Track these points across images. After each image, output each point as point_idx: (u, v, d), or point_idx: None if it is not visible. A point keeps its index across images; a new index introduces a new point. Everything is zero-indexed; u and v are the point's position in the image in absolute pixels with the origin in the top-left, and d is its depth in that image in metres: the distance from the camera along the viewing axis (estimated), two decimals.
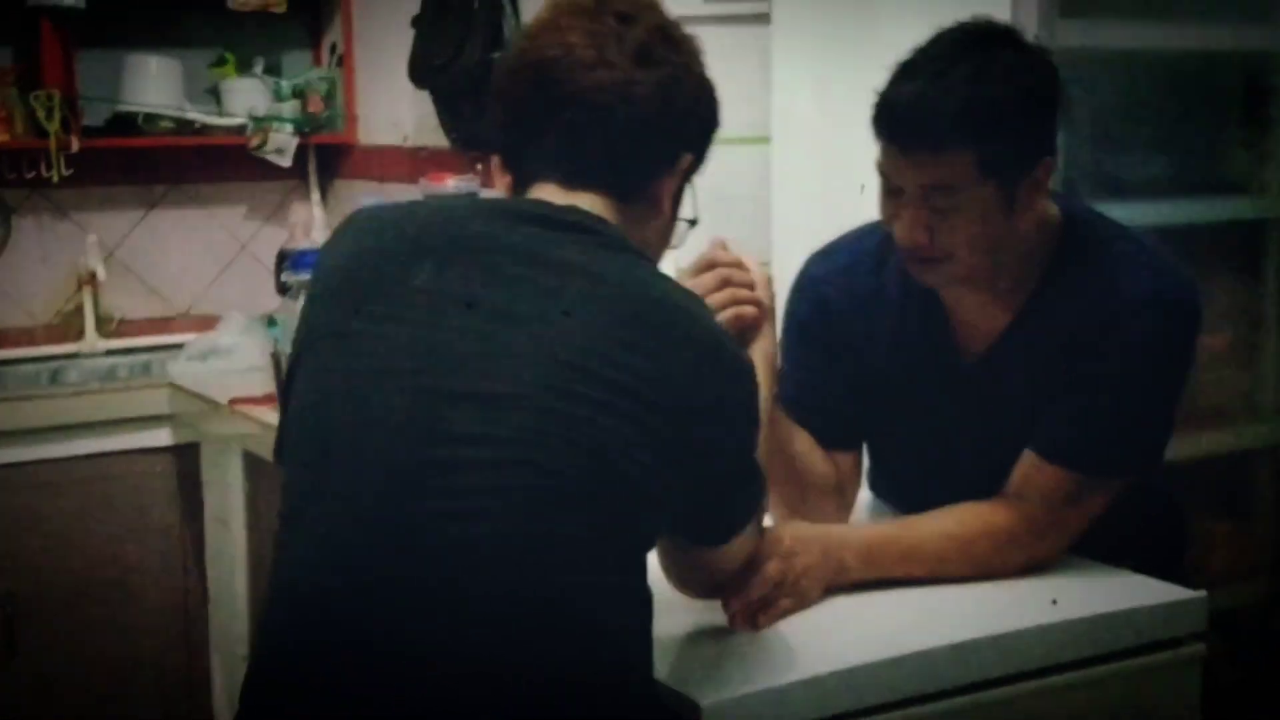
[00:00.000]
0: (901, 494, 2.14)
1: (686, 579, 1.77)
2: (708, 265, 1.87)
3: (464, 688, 1.43)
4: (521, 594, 1.43)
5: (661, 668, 1.63)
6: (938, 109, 1.85)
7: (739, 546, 1.72)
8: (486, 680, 1.43)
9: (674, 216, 1.72)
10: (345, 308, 1.57)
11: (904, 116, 1.89)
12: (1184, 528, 2.33)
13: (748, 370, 1.62)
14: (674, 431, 1.50)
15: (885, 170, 1.93)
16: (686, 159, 1.68)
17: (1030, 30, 2.40)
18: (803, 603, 1.86)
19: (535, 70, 1.62)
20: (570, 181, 1.62)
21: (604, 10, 1.63)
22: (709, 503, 1.62)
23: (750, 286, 1.88)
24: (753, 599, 1.79)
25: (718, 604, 1.83)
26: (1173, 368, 2.02)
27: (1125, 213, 2.29)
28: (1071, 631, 1.87)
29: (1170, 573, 2.02)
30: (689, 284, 1.82)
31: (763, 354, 1.88)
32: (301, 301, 3.54)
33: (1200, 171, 2.92)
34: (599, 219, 1.59)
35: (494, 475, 1.45)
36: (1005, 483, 2.01)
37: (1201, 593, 1.96)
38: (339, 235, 1.69)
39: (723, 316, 1.83)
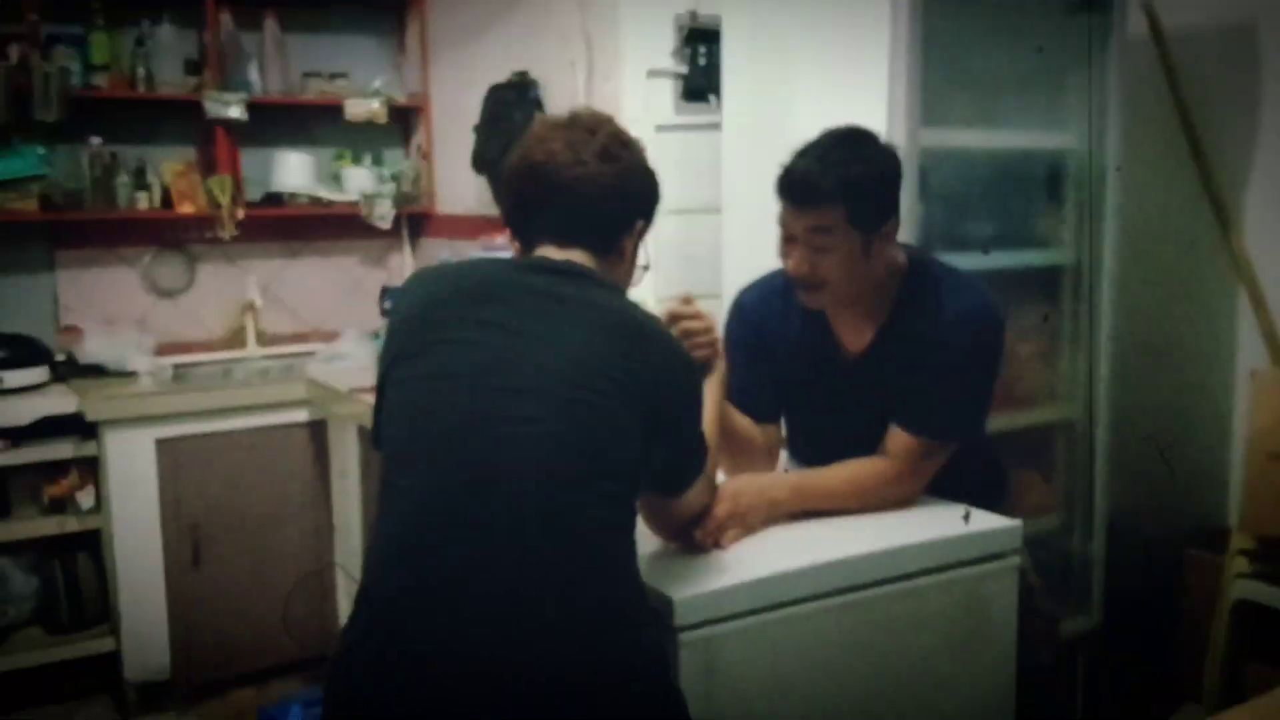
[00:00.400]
0: (809, 454, 2.22)
1: (660, 524, 1.86)
2: (673, 318, 1.95)
3: (516, 580, 1.48)
4: (550, 520, 1.51)
5: (644, 576, 1.68)
6: (821, 176, 1.97)
7: (694, 495, 1.82)
8: (530, 572, 1.49)
9: (634, 262, 1.82)
10: (420, 336, 1.66)
11: (797, 181, 1.98)
12: (1004, 477, 2.42)
13: (696, 370, 1.77)
14: (649, 411, 1.60)
15: (783, 222, 2.05)
16: (640, 223, 1.79)
17: (901, 134, 2.42)
18: (748, 530, 1.95)
19: (531, 169, 1.72)
20: (562, 243, 1.72)
21: (576, 125, 1.74)
22: (672, 462, 1.72)
23: (707, 331, 1.97)
24: (711, 528, 1.88)
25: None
26: (986, 364, 2.11)
27: (966, 260, 2.36)
28: (929, 547, 1.95)
29: (996, 508, 2.12)
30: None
31: (716, 376, 1.99)
32: None
33: (1017, 232, 2.96)
34: (585, 267, 1.71)
35: (528, 442, 1.53)
36: (878, 445, 2.08)
37: (1017, 521, 2.07)
38: (411, 284, 1.81)
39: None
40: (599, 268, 1.72)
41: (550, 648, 1.46)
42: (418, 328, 1.67)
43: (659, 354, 1.64)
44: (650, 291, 2.75)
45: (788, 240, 2.03)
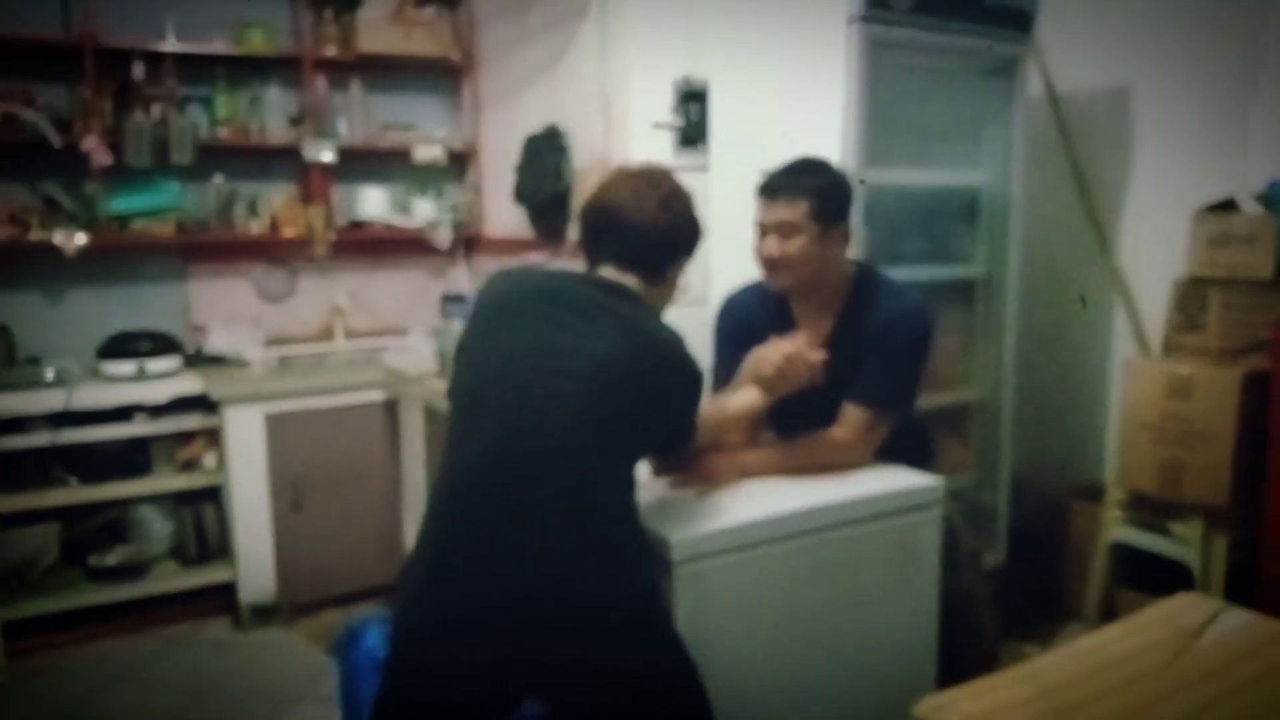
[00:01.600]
0: (781, 426, 2.18)
1: (660, 472, 1.97)
2: (788, 359, 1.97)
3: (549, 519, 1.52)
4: (570, 492, 1.54)
5: (645, 518, 1.72)
6: (792, 180, 2.03)
7: (675, 460, 1.93)
8: (560, 516, 1.52)
9: (675, 286, 1.84)
10: (491, 322, 1.69)
11: (772, 183, 2.07)
12: (932, 444, 2.40)
13: (697, 373, 1.73)
14: (657, 399, 1.64)
15: (758, 219, 2.08)
16: (684, 258, 1.81)
17: (851, 171, 2.40)
18: (737, 467, 2.00)
19: (603, 208, 1.75)
20: (620, 267, 1.73)
21: (642, 176, 1.77)
22: (671, 435, 1.78)
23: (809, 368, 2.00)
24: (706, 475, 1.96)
25: (675, 487, 1.97)
26: (917, 354, 2.12)
27: (901, 272, 2.34)
28: (873, 500, 1.98)
29: (925, 468, 2.14)
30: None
31: (766, 401, 2.00)
32: (454, 323, 3.57)
33: (942, 250, 2.95)
34: (630, 289, 1.72)
35: (565, 415, 1.55)
36: (836, 418, 2.09)
37: (941, 479, 2.08)
38: (490, 281, 1.79)
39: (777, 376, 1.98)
40: (646, 290, 1.73)
41: (582, 631, 1.49)
42: (493, 312, 1.68)
43: (667, 357, 1.65)
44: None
45: (762, 233, 2.06)
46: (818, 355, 1.99)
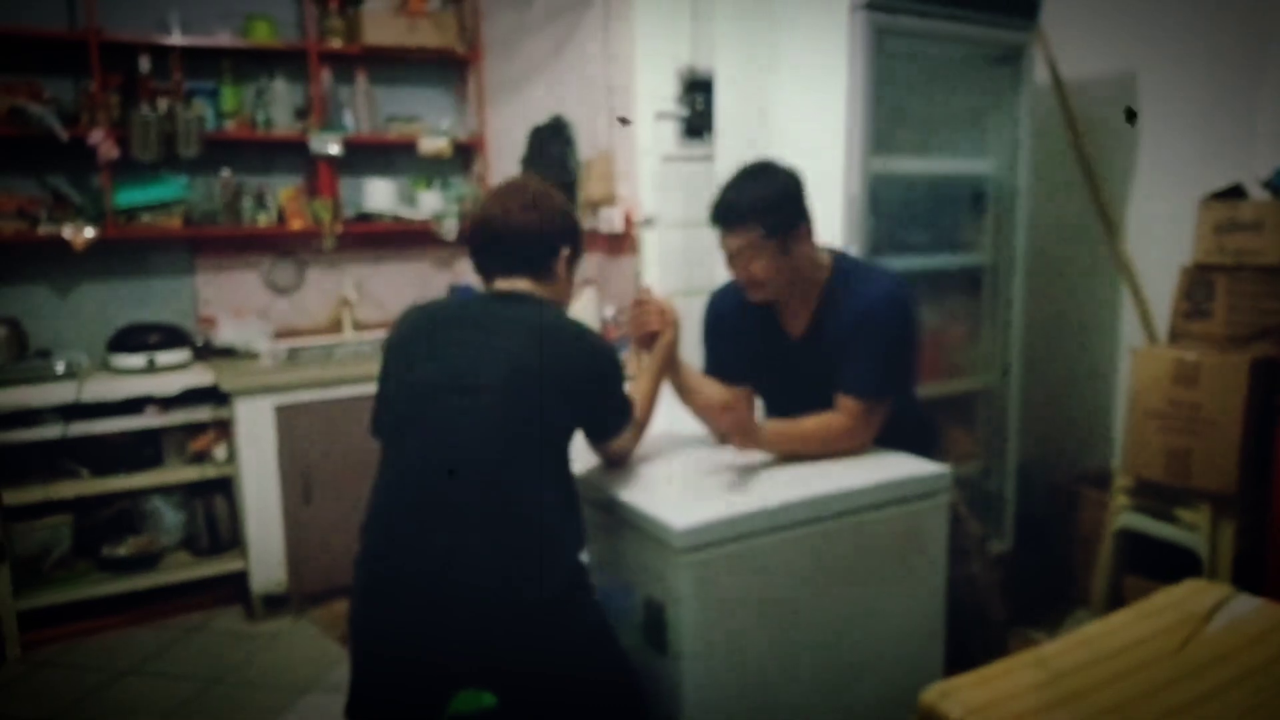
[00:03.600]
0: (771, 413, 2.17)
1: (605, 459, 1.97)
2: (635, 303, 2.06)
3: (465, 522, 1.57)
4: (504, 497, 1.59)
5: (651, 506, 1.75)
6: (735, 205, 2.01)
7: (624, 440, 1.92)
8: (476, 519, 1.57)
9: (570, 281, 1.91)
10: (403, 360, 1.75)
11: (721, 212, 2.05)
12: (938, 432, 2.38)
13: (611, 352, 1.81)
14: (566, 388, 1.69)
15: (720, 244, 2.08)
16: (566, 249, 1.86)
17: (856, 161, 2.38)
18: (745, 437, 1.96)
19: (480, 224, 1.84)
20: (509, 274, 1.82)
21: (509, 187, 1.87)
22: (596, 419, 1.84)
23: (656, 310, 2.04)
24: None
25: (681, 476, 1.98)
26: (900, 336, 2.08)
27: (908, 261, 2.31)
28: (878, 487, 1.94)
29: (932, 456, 2.10)
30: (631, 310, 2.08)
31: (661, 344, 2.04)
32: None
33: (948, 239, 2.93)
34: (526, 292, 1.80)
35: (478, 428, 1.62)
36: (816, 405, 2.07)
37: (948, 466, 2.05)
38: (407, 315, 1.85)
39: (632, 325, 2.06)
40: (540, 289, 1.81)
41: (500, 618, 1.52)
42: (403, 351, 1.75)
43: (568, 346, 1.72)
44: (658, 286, 2.72)
45: (728, 258, 2.07)
46: (666, 303, 2.04)
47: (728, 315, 2.22)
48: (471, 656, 1.53)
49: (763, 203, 1.99)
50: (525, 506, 1.59)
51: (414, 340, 1.76)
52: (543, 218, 1.81)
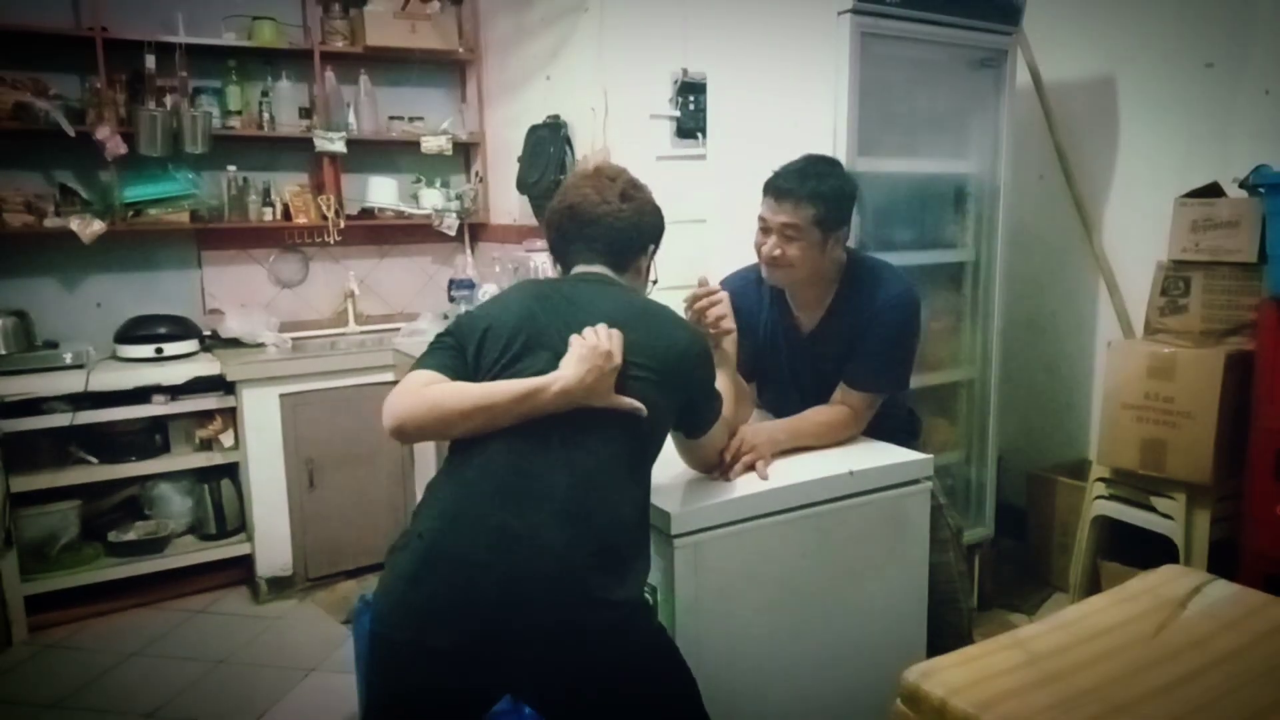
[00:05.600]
0: (772, 405, 2.16)
1: (693, 460, 1.84)
2: (694, 299, 1.92)
3: (551, 518, 1.43)
4: (590, 478, 1.47)
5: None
6: (800, 184, 1.96)
7: (715, 436, 1.79)
8: (564, 518, 1.43)
9: (647, 278, 1.79)
10: (518, 341, 1.56)
11: (782, 184, 2.00)
12: (919, 423, 2.37)
13: (704, 339, 1.74)
14: (670, 376, 1.58)
15: (764, 214, 2.03)
16: (650, 247, 1.76)
17: (844, 160, 2.36)
18: (760, 458, 1.89)
19: (569, 208, 1.71)
20: (591, 262, 1.70)
21: (600, 174, 1.73)
22: (695, 413, 1.71)
23: (721, 305, 1.92)
24: (730, 463, 1.86)
25: (681, 472, 1.88)
26: (909, 337, 2.10)
27: (894, 257, 2.28)
28: (868, 474, 1.95)
29: (913, 445, 2.14)
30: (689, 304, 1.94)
31: (730, 342, 1.96)
32: (460, 307, 3.50)
33: (932, 236, 2.91)
34: (611, 278, 1.69)
35: (582, 412, 1.49)
36: (822, 398, 2.09)
37: (930, 455, 2.06)
38: (507, 293, 1.71)
39: (707, 323, 1.92)
40: (619, 279, 1.70)
41: (575, 615, 1.38)
42: (516, 334, 1.56)
43: (673, 330, 1.61)
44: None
45: (765, 230, 2.01)
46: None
47: (741, 306, 2.09)
48: (534, 650, 1.38)
49: (824, 192, 1.94)
50: (615, 513, 1.46)
51: (527, 327, 1.56)
52: (637, 209, 1.69)
